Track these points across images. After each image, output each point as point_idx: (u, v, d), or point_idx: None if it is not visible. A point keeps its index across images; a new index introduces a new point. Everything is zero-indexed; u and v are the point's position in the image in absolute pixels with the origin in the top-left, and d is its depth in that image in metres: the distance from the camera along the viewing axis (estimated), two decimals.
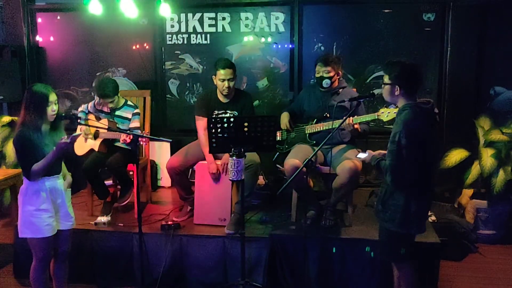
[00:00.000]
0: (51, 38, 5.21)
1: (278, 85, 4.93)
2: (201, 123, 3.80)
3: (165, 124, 5.11)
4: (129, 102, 4.01)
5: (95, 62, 5.18)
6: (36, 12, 5.17)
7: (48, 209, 2.81)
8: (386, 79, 2.65)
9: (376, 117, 3.35)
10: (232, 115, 3.76)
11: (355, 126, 3.39)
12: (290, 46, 4.83)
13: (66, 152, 2.76)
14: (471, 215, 4.25)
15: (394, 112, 3.01)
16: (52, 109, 2.77)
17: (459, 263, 3.90)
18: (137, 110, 3.97)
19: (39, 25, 5.19)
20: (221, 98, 3.82)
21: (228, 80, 3.67)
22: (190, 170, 3.96)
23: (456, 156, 4.31)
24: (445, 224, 4.01)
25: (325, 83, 3.63)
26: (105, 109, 3.94)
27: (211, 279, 3.49)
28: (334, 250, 3.36)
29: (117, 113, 3.93)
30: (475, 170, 4.21)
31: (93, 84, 5.15)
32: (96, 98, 3.95)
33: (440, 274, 3.38)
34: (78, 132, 3.96)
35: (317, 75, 3.67)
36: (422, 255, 3.21)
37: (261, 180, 4.42)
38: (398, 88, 2.58)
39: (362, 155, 2.85)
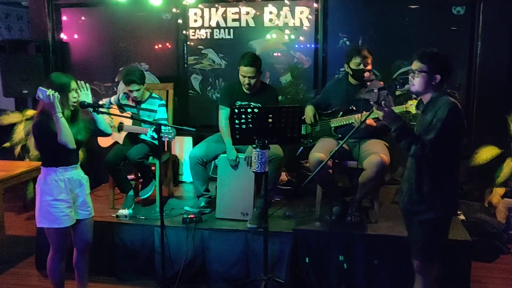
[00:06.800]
0: (75, 34, 5.23)
1: (301, 80, 4.84)
2: (223, 112, 3.78)
3: (187, 119, 5.07)
4: (154, 95, 3.99)
5: (118, 57, 5.18)
6: (61, 8, 5.20)
7: (65, 199, 2.79)
8: (423, 67, 2.48)
9: (405, 109, 3.24)
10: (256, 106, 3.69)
11: (367, 121, 3.28)
12: (314, 41, 4.74)
13: (51, 106, 2.71)
14: (503, 214, 4.10)
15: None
16: (73, 95, 2.78)
17: (490, 264, 3.76)
18: (162, 102, 3.95)
19: (63, 20, 5.22)
20: (245, 89, 3.76)
21: (249, 77, 3.61)
22: (213, 164, 3.90)
23: (486, 153, 4.18)
24: (475, 224, 3.87)
25: (367, 75, 3.55)
26: (130, 102, 3.92)
27: (233, 273, 3.43)
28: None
29: (143, 106, 3.91)
30: (507, 168, 4.07)
31: (116, 79, 5.15)
32: (121, 89, 3.93)
33: (471, 275, 3.25)
34: None
35: (357, 67, 3.54)
36: (453, 254, 3.09)
37: (283, 176, 4.34)
38: (439, 77, 2.47)
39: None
